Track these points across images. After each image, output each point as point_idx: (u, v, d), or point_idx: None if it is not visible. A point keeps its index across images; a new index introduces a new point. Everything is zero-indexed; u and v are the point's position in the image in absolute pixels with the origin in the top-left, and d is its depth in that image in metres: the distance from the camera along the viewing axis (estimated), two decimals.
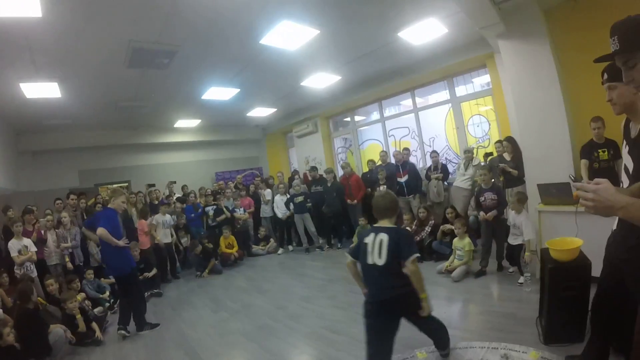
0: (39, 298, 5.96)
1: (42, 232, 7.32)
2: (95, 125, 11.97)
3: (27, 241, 6.76)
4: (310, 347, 4.56)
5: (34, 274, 6.62)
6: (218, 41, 7.00)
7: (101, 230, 5.49)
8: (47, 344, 4.90)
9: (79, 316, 5.59)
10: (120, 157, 13.81)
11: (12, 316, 5.11)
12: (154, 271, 8.10)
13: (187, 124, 13.66)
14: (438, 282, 6.06)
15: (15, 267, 6.46)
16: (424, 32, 7.33)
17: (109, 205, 5.79)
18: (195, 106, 11.24)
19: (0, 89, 7.71)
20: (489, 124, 9.09)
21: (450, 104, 9.80)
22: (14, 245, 6.59)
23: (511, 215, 5.77)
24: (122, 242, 5.61)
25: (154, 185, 11.63)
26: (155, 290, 7.84)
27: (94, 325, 5.70)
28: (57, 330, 5.08)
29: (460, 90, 9.65)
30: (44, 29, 5.68)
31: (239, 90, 9.99)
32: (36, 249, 6.83)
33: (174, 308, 6.89)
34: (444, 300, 5.38)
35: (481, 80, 9.24)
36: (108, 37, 6.38)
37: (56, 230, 7.45)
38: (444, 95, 10.04)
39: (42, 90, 7.95)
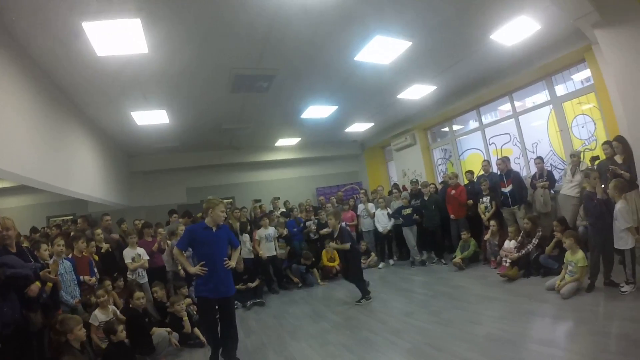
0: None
1: (162, 243, 8.01)
2: (201, 146, 13.00)
3: (140, 250, 7.46)
4: None
5: (145, 279, 7.28)
6: (314, 62, 7.34)
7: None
8: (151, 343, 5.39)
9: (185, 318, 6.08)
10: (225, 175, 14.87)
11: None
12: (257, 281, 8.51)
13: (287, 142, 14.28)
14: (546, 299, 5.72)
15: (128, 273, 7.15)
16: (516, 32, 7.11)
17: (206, 219, 5.02)
18: (295, 125, 11.78)
19: (113, 118, 8.68)
20: (595, 124, 8.41)
21: (551, 105, 9.25)
22: (128, 253, 7.34)
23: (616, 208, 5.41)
24: (193, 269, 4.80)
25: (260, 200, 12.17)
26: (258, 300, 8.19)
27: (197, 330, 6.09)
28: (161, 332, 5.57)
29: (560, 90, 9.08)
30: (151, 63, 6.35)
31: (336, 107, 10.33)
32: (148, 257, 7.50)
33: (275, 317, 7.11)
34: (550, 319, 5.08)
35: (581, 76, 8.62)
36: (210, 66, 6.99)
37: (169, 241, 8.10)
38: (544, 96, 9.51)
39: (151, 117, 8.85)
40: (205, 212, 5.08)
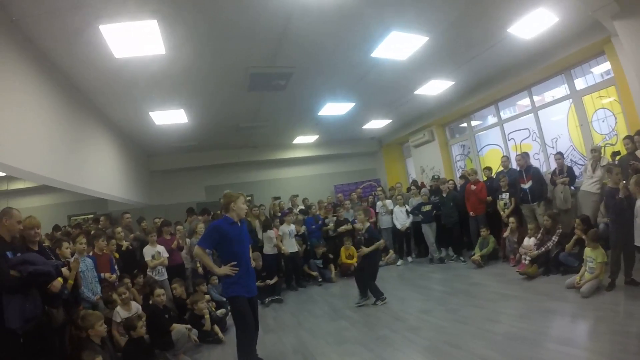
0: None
1: (180, 240, 8.11)
2: (219, 145, 13.12)
3: (160, 248, 7.50)
4: None
5: (164, 276, 7.32)
6: (331, 59, 7.35)
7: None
8: (170, 339, 5.42)
9: (207, 316, 6.15)
10: (244, 173, 15.00)
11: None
12: (275, 279, 8.57)
13: (305, 140, 14.30)
14: (565, 297, 5.65)
15: (148, 270, 7.22)
16: (534, 25, 7.01)
17: (229, 214, 4.61)
18: (313, 122, 11.81)
19: (132, 118, 8.83)
20: (615, 118, 8.25)
21: (570, 100, 9.09)
22: (148, 251, 7.39)
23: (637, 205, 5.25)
24: (222, 270, 4.44)
25: (279, 198, 12.17)
26: (276, 297, 8.27)
27: (216, 327, 6.18)
28: (180, 329, 5.59)
29: (580, 83, 8.92)
30: (169, 64, 6.40)
31: (354, 104, 10.35)
32: (168, 255, 7.53)
33: (293, 314, 7.16)
34: (570, 317, 5.04)
35: (601, 69, 8.47)
36: (227, 65, 7.03)
37: (188, 239, 8.27)
38: (563, 90, 9.36)
39: (170, 117, 8.95)
40: (226, 208, 4.65)
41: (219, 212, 9.04)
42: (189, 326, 5.83)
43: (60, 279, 4.17)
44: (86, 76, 6.51)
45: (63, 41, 5.32)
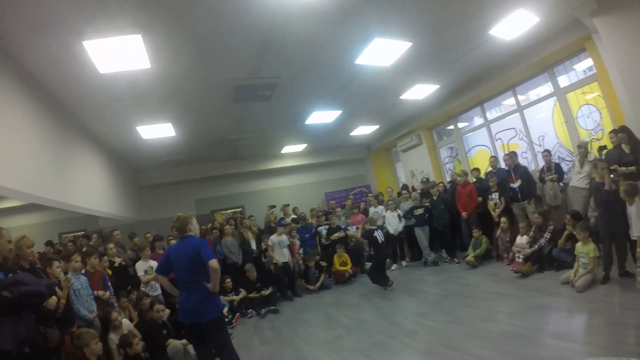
0: None
1: None
2: (208, 157, 13.07)
3: (152, 263, 7.34)
4: None
5: (158, 291, 7.21)
6: (315, 68, 7.35)
7: (215, 264, 4.21)
8: (166, 355, 5.41)
9: None
10: (233, 185, 14.97)
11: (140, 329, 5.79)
12: (270, 289, 8.53)
13: (293, 149, 14.29)
14: (560, 293, 5.67)
15: (141, 286, 7.15)
16: (515, 25, 7.08)
17: (192, 234, 4.52)
18: (300, 131, 11.80)
19: (119, 133, 8.78)
20: (600, 113, 8.33)
21: (554, 97, 9.17)
22: (140, 266, 7.33)
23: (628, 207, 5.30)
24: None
25: (274, 206, 12.13)
26: (272, 307, 8.20)
27: None
28: (176, 345, 5.57)
29: (563, 81, 9.01)
30: (154, 78, 6.37)
31: (340, 111, 10.35)
32: None
33: (290, 325, 7.11)
34: (566, 313, 5.06)
35: (583, 66, 8.57)
36: (212, 78, 6.99)
37: None
38: (547, 88, 9.45)
39: (157, 131, 8.88)
40: (184, 230, 4.50)
41: (209, 226, 9.20)
42: (184, 341, 5.77)
43: (54, 297, 4.12)
44: (71, 93, 6.45)
45: (47, 58, 5.27)
